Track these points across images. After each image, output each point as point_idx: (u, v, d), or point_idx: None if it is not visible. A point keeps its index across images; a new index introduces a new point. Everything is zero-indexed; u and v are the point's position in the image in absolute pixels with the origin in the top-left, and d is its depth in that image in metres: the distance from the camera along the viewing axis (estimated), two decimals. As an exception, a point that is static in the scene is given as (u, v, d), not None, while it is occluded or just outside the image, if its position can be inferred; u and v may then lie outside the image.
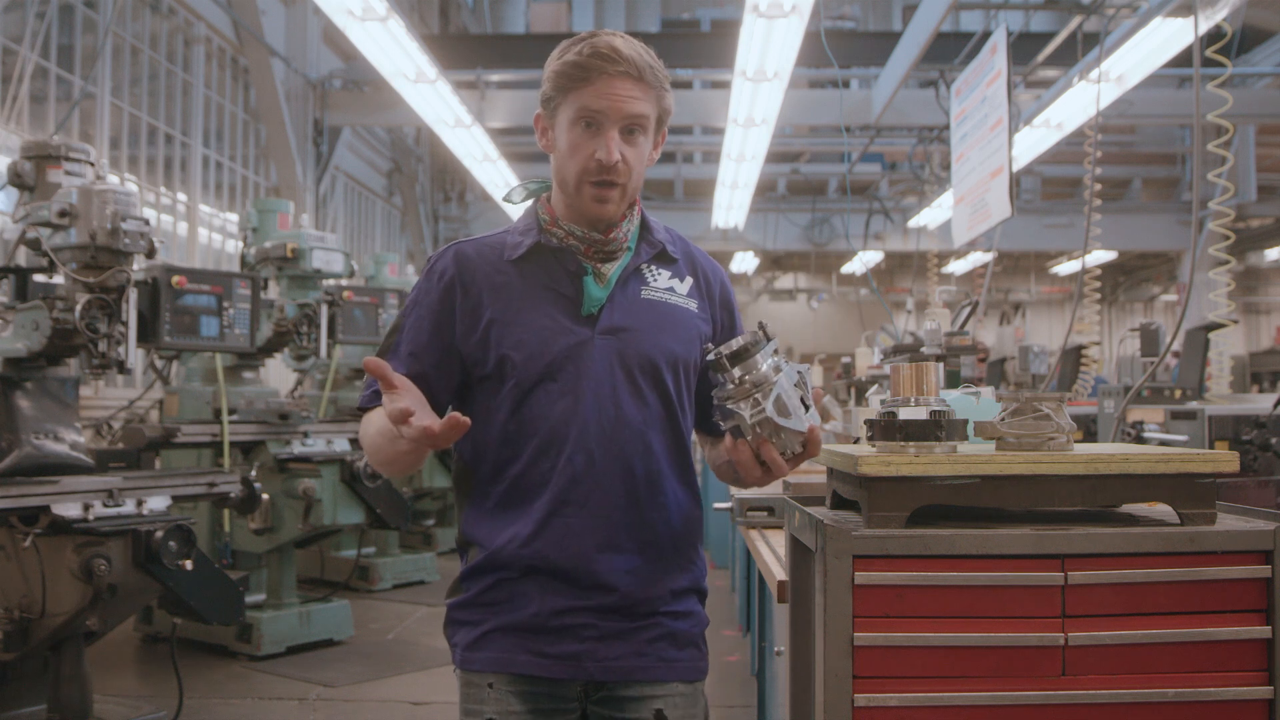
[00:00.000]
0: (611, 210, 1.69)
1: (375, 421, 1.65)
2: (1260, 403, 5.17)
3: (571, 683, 1.68)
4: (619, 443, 1.68)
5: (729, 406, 1.56)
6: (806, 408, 1.57)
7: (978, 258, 14.66)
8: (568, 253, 1.71)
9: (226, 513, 5.22)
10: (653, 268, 1.77)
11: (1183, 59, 7.35)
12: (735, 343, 1.56)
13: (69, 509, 3.51)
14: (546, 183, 1.80)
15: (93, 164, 4.04)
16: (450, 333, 1.72)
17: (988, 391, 2.15)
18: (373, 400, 1.70)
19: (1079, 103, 8.30)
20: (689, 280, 1.80)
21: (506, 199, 1.84)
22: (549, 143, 1.74)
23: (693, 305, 1.78)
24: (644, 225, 1.79)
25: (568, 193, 1.70)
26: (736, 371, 1.55)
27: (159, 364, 5.42)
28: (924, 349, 4.53)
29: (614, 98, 1.63)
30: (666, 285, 1.76)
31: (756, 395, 1.54)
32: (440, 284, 1.73)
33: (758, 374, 1.54)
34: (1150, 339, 5.55)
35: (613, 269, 1.73)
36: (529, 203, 1.82)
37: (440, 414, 1.59)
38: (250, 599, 5.27)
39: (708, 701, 1.82)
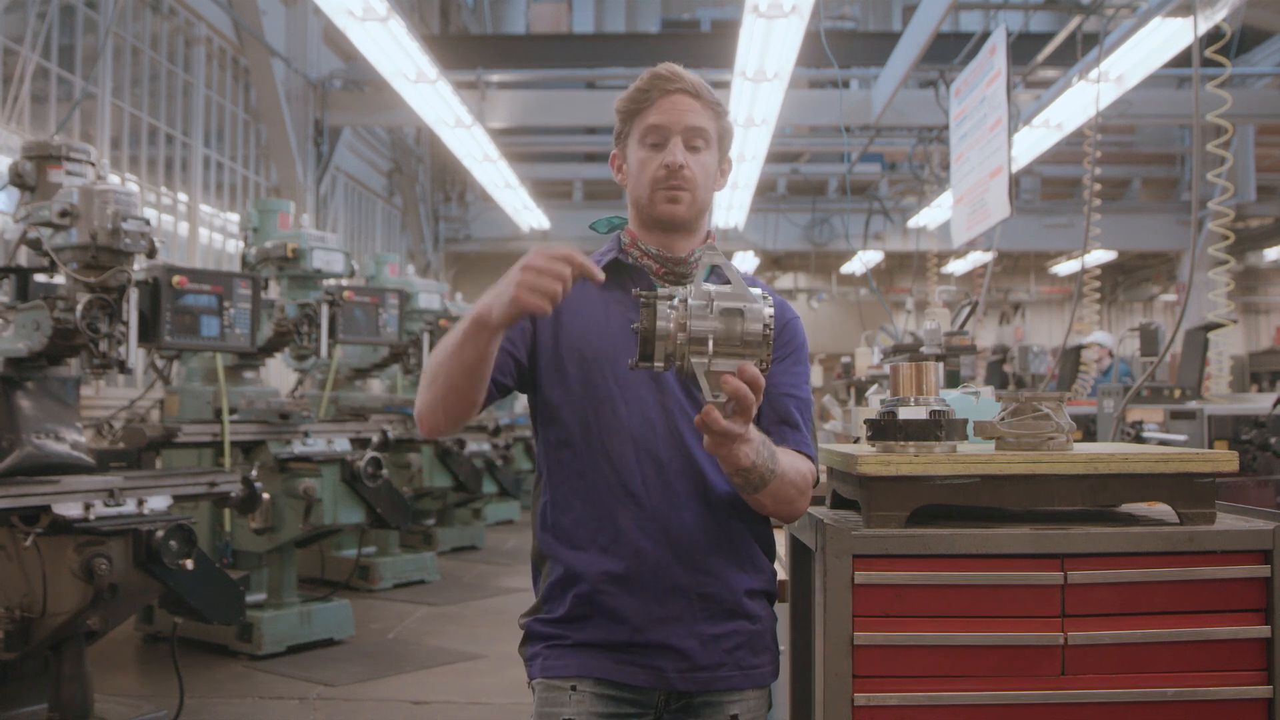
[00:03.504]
0: (683, 211, 1.76)
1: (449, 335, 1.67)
2: (1259, 403, 5.18)
3: (654, 691, 1.71)
4: (682, 448, 1.72)
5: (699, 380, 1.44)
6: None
7: (977, 258, 14.65)
8: (640, 272, 1.81)
9: (227, 512, 5.22)
10: None
11: (1182, 59, 7.35)
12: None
13: (70, 509, 3.51)
14: (627, 219, 1.89)
15: (93, 164, 4.04)
16: (528, 325, 1.78)
17: (987, 391, 2.15)
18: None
19: (1078, 103, 8.30)
20: None
21: (591, 228, 1.95)
22: (624, 175, 1.84)
23: None
24: None
25: (641, 208, 1.80)
26: (659, 354, 1.44)
27: (159, 364, 5.42)
28: (924, 349, 4.53)
29: (674, 111, 1.75)
30: None
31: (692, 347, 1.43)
32: None
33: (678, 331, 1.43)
34: (1150, 339, 5.56)
35: None
36: (612, 233, 1.92)
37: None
38: (251, 598, 5.27)
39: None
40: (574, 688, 1.69)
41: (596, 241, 1.91)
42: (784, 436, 1.75)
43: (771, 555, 1.83)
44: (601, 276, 1.51)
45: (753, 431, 1.54)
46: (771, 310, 1.47)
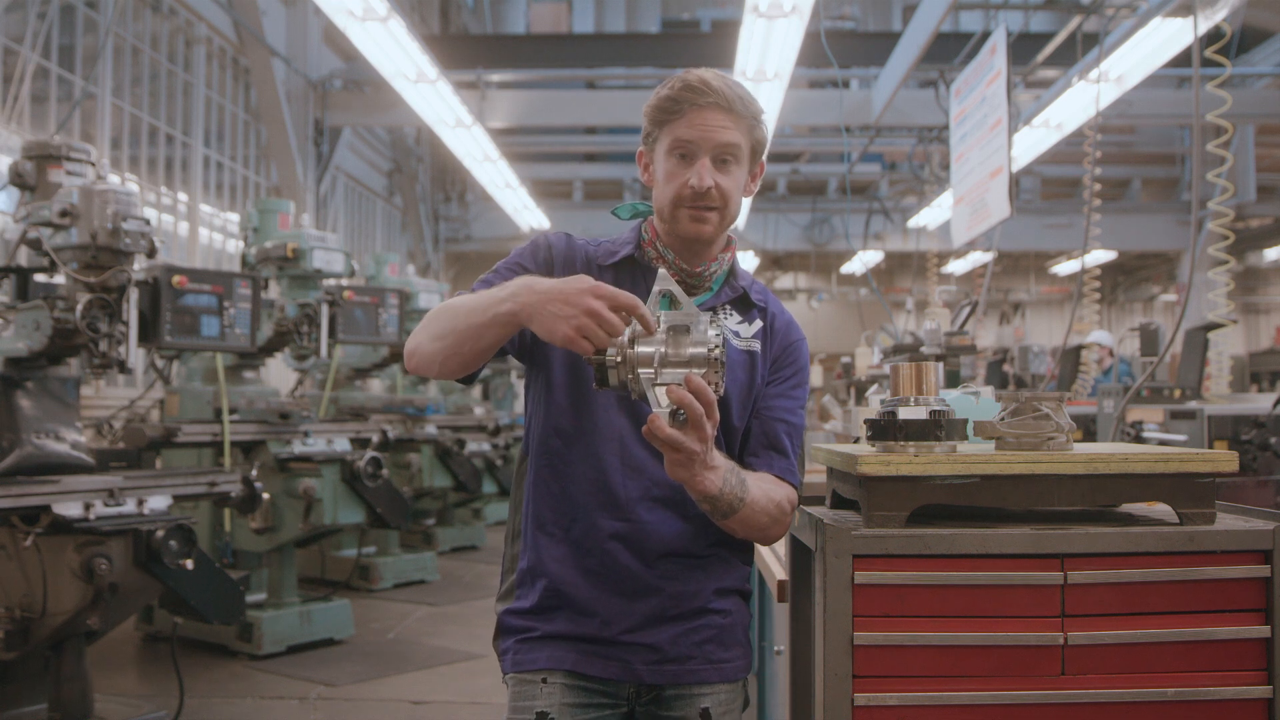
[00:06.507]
0: (709, 231, 1.74)
1: (466, 297, 1.66)
2: (1259, 403, 5.17)
3: (624, 683, 1.72)
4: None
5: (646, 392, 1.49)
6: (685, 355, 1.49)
7: (977, 258, 14.65)
8: (653, 273, 1.77)
9: (227, 512, 5.23)
10: (727, 308, 1.83)
11: (1182, 59, 7.35)
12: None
13: (70, 508, 3.51)
14: (652, 208, 1.86)
15: (94, 164, 4.05)
16: None
17: (987, 391, 2.15)
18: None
19: (1079, 103, 8.29)
20: (757, 324, 1.83)
21: (613, 213, 1.93)
22: (650, 176, 1.81)
23: (755, 346, 1.82)
24: (731, 271, 1.85)
25: (664, 219, 1.77)
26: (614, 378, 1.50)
27: (160, 364, 5.42)
28: (924, 349, 4.54)
29: (704, 128, 1.69)
30: (733, 329, 1.81)
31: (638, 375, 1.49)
32: (544, 251, 1.79)
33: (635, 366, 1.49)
34: (1150, 339, 5.56)
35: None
36: (634, 221, 1.89)
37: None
38: (251, 598, 5.27)
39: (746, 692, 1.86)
40: (545, 680, 1.71)
41: (599, 233, 1.90)
42: (770, 462, 1.76)
43: (747, 558, 1.84)
44: (654, 329, 1.49)
45: (719, 459, 1.56)
46: (717, 333, 1.49)
